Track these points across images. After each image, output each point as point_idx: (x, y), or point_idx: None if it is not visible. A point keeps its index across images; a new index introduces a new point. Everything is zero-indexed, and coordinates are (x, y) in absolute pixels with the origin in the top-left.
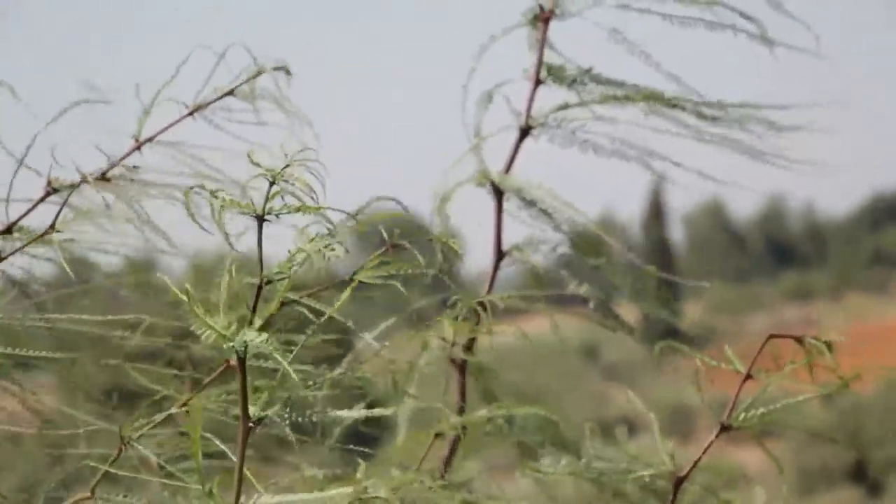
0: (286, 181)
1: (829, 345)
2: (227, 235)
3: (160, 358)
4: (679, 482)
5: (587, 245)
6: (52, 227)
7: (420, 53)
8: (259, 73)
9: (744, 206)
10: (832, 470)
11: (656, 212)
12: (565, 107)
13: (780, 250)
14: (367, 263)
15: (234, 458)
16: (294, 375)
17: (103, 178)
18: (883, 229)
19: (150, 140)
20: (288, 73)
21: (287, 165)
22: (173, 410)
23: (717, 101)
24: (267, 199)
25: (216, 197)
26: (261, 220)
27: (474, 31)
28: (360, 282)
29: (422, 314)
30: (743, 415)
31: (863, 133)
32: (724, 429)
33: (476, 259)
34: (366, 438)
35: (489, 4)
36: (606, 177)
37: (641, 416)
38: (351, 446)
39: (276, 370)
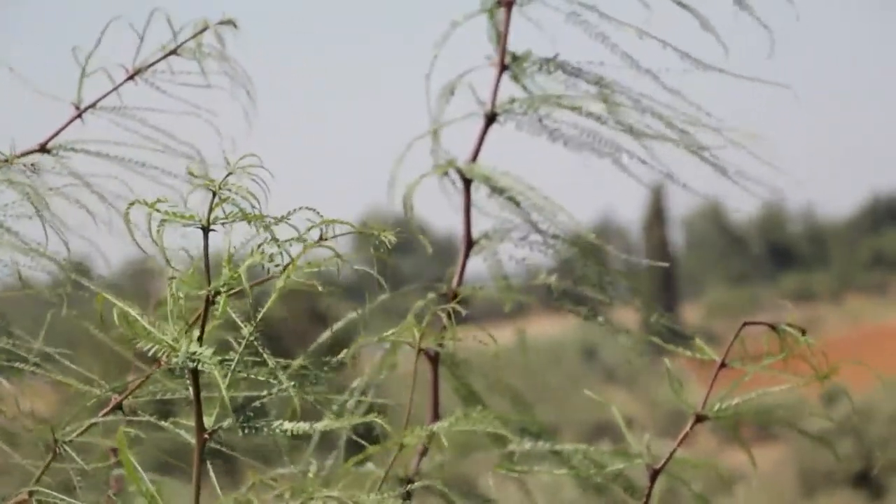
0: (230, 190)
1: (803, 332)
2: (164, 252)
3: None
4: (655, 474)
5: (574, 241)
6: None
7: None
8: (204, 28)
9: (743, 208)
10: (835, 473)
11: (657, 214)
12: (532, 101)
13: (780, 252)
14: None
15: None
16: (224, 388)
17: (43, 149)
18: (883, 231)
19: (91, 107)
20: (234, 26)
21: (229, 174)
22: (104, 415)
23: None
24: (211, 210)
25: (157, 210)
26: (206, 230)
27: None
28: (363, 285)
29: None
30: (717, 405)
31: (863, 134)
32: (699, 419)
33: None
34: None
35: None
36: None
37: (641, 418)
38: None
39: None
